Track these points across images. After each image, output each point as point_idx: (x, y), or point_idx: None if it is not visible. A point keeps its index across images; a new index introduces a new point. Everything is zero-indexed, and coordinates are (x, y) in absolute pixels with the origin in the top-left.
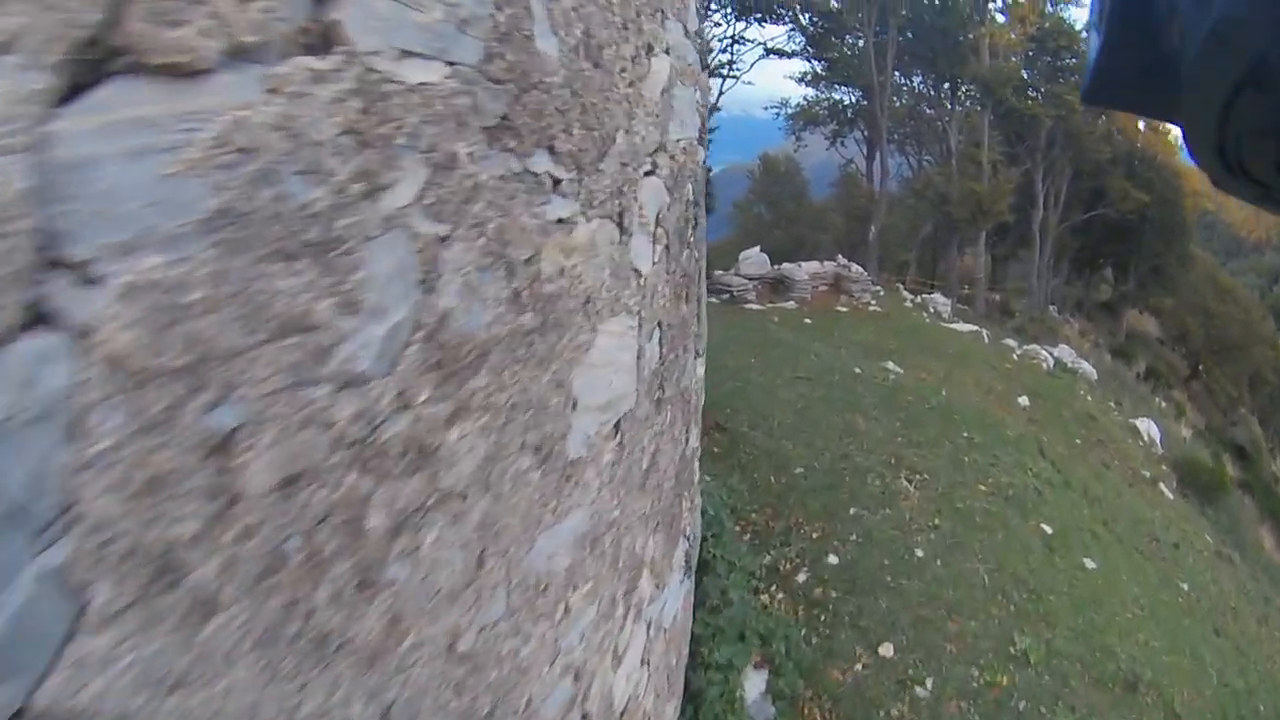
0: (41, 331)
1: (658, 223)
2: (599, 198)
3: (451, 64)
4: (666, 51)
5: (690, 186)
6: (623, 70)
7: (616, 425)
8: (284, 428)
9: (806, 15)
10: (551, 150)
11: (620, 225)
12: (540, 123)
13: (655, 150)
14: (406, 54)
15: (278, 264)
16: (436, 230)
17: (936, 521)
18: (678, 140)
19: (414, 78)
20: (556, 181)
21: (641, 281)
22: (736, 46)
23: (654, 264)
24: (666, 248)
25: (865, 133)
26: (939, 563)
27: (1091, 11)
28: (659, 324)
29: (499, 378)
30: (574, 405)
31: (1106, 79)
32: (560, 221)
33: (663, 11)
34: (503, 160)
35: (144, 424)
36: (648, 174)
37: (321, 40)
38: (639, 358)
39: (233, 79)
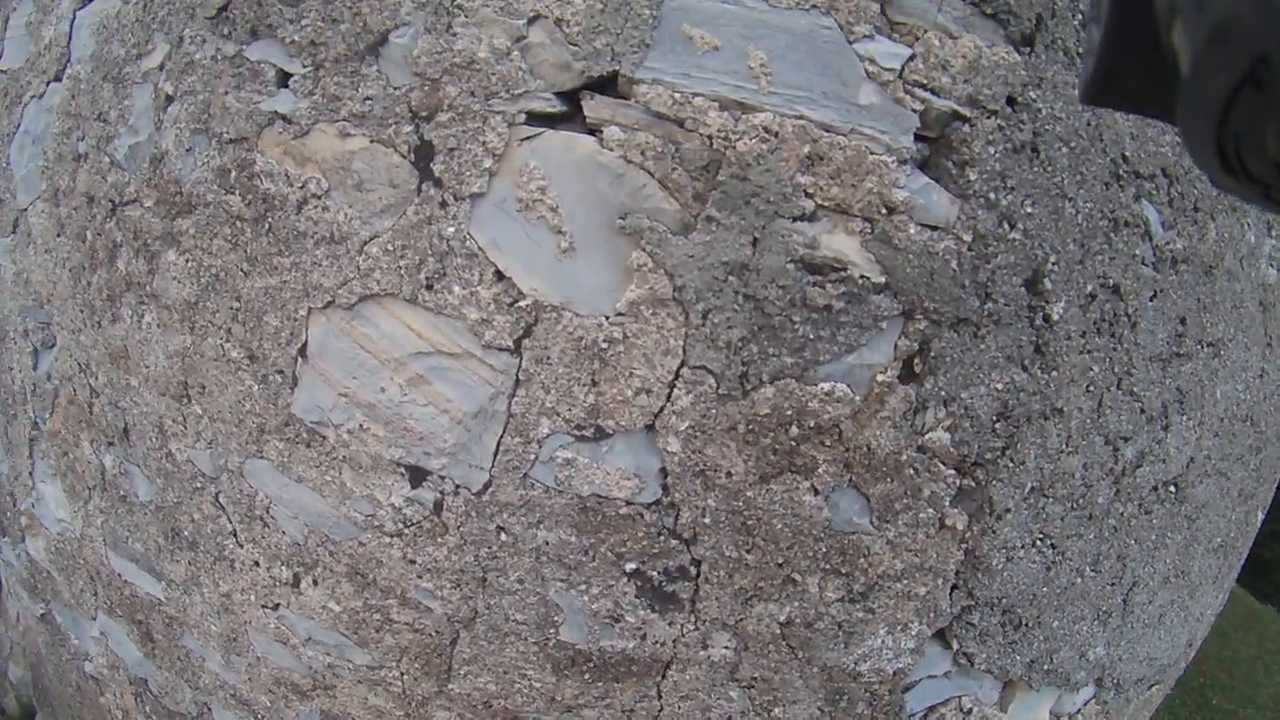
0: None
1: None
2: (354, 109)
3: None
4: None
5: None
6: None
7: (439, 500)
8: None
9: None
10: (276, 37)
11: (422, 169)
12: (258, 11)
13: (572, 88)
14: None
15: None
16: (166, 89)
17: None
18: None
19: None
20: (285, 75)
21: (514, 300)
22: None
23: (566, 287)
24: (694, 313)
25: None
26: None
27: (1090, 10)
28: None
29: (205, 239)
30: (303, 351)
31: (1106, 79)
32: (282, 118)
33: None
34: (217, 44)
35: None
36: (539, 122)
37: None
38: (488, 416)
39: None
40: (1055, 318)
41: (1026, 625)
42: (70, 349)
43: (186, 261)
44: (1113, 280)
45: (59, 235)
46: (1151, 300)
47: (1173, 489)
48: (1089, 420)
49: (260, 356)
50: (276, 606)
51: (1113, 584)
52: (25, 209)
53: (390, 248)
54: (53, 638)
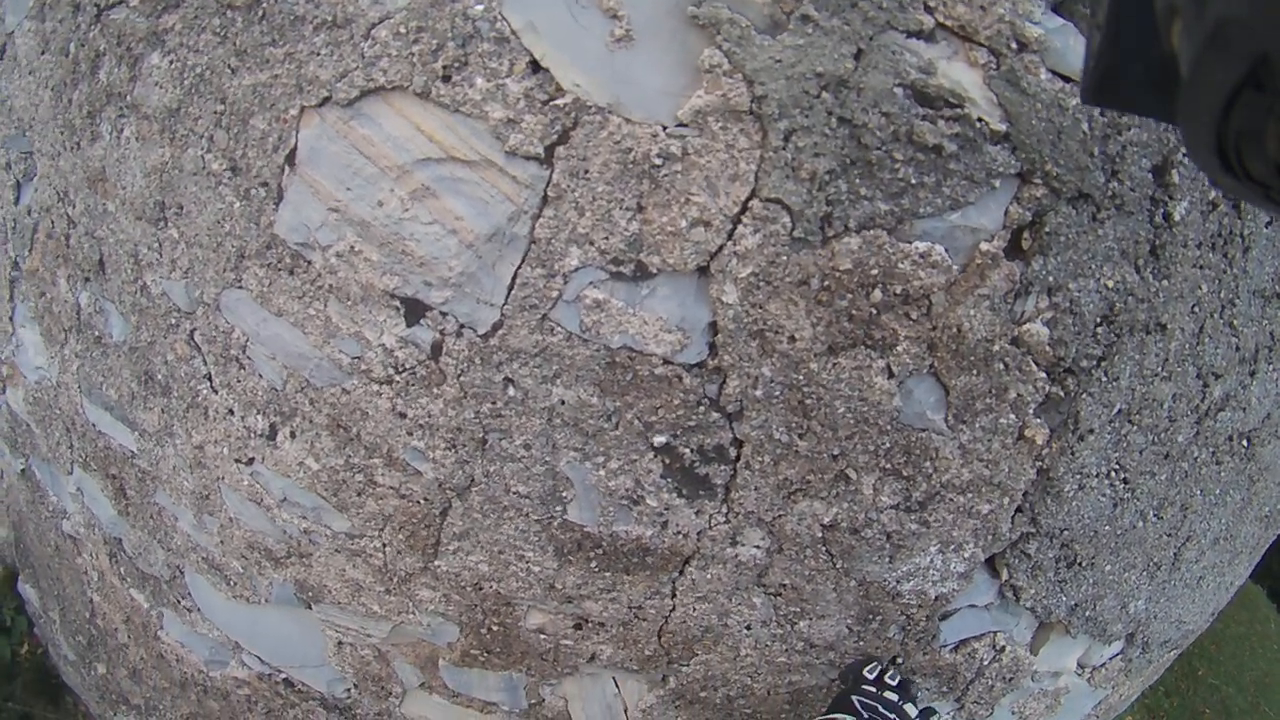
0: None
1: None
2: None
3: None
4: None
5: None
6: None
7: (437, 342)
8: None
9: None
10: None
11: None
12: None
13: None
14: None
15: None
16: None
17: None
18: None
19: None
20: None
21: (550, 98)
22: None
23: (617, 84)
24: (774, 132)
25: None
26: None
27: (1090, 10)
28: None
29: (191, 35)
30: (291, 159)
31: (1106, 79)
32: None
33: None
34: None
35: None
36: None
37: None
38: (505, 240)
39: None
40: (1177, 218)
41: (1080, 564)
42: (49, 176)
43: (170, 63)
44: None
45: (43, 53)
46: (1266, 227)
47: (1245, 443)
48: (1188, 345)
49: (243, 168)
50: (250, 461)
51: (1170, 534)
52: (12, 32)
53: (402, 30)
54: (33, 495)
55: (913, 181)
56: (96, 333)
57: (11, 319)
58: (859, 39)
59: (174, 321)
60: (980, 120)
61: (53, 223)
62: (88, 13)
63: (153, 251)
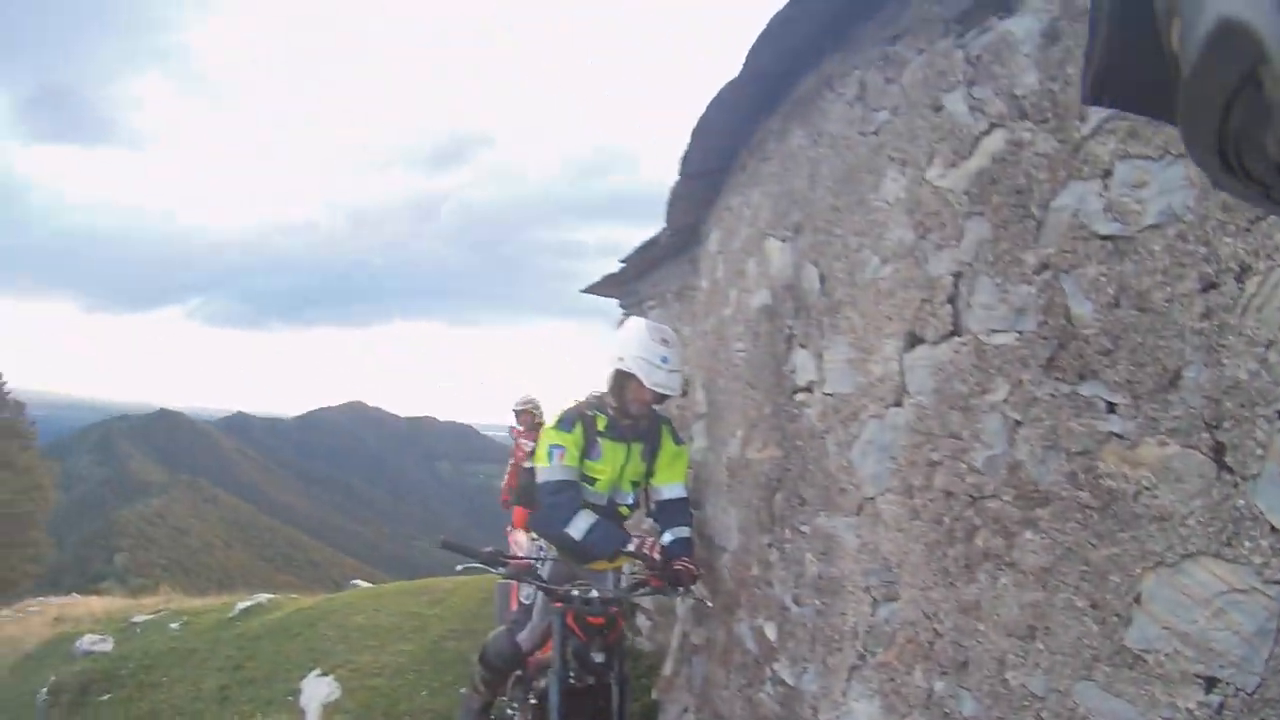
0: None
1: None
2: (1167, 424)
3: (1019, 332)
4: None
5: None
6: (1185, 305)
7: (1223, 701)
8: None
9: None
10: (1098, 379)
11: (1219, 462)
12: (1080, 362)
13: None
14: (994, 330)
15: None
16: (1014, 416)
17: None
18: None
19: (997, 341)
20: (1111, 404)
21: None
22: None
23: None
24: None
25: None
26: None
27: (1092, 11)
28: None
29: (1059, 522)
30: (1137, 599)
31: (1108, 79)
32: (1116, 435)
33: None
34: (1052, 385)
35: None
36: None
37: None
38: (1264, 633)
39: None
40: None
41: None
42: (917, 602)
43: (1042, 539)
44: None
45: (913, 519)
46: None
47: None
48: None
49: (1101, 604)
50: None
51: None
52: (872, 497)
53: (1201, 519)
54: None
55: None
56: (945, 710)
57: (843, 694)
58: None
59: (1026, 703)
60: None
61: (915, 632)
62: (961, 499)
63: (1018, 657)
